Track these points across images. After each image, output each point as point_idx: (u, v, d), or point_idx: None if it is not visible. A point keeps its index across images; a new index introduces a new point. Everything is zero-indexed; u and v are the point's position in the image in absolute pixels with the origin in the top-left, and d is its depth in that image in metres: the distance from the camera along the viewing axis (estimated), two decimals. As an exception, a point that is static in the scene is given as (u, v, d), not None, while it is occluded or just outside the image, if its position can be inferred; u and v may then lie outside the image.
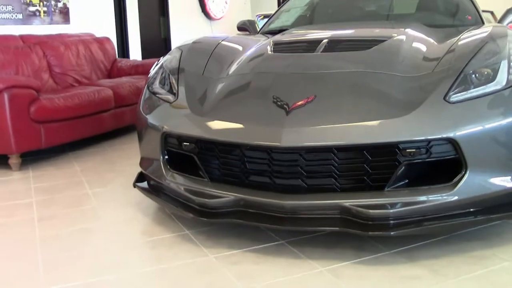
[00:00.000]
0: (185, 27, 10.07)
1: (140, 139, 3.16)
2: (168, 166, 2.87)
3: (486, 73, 2.55)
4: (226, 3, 12.05)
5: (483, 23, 3.89)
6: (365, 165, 2.42)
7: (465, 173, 2.39)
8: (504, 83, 2.50)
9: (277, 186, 2.52)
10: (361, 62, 2.81)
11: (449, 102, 2.44)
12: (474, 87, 2.49)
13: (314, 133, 2.41)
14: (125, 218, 3.15)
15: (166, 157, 2.89)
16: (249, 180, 2.60)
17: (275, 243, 2.68)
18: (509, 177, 2.47)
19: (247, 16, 13.58)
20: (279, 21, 4.52)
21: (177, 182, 2.79)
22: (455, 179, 2.41)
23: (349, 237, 2.64)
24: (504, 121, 2.43)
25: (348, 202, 2.39)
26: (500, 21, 4.00)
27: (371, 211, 2.35)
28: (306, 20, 4.46)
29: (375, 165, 2.42)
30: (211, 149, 2.67)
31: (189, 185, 2.73)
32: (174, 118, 2.83)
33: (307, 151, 2.44)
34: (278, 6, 15.33)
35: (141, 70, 6.01)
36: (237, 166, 2.62)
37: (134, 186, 3.15)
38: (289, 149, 2.43)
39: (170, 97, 2.94)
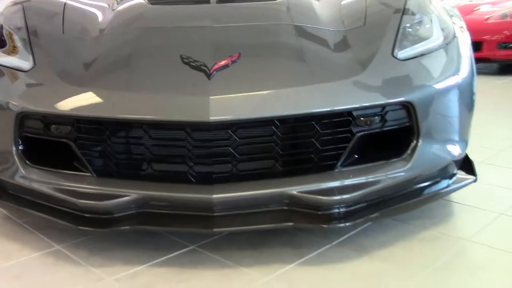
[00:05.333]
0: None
1: None
2: (26, 160, 2.04)
3: (419, 28, 2.20)
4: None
5: None
6: (313, 140, 1.90)
7: (417, 142, 2.01)
8: (441, 39, 2.18)
9: (198, 176, 1.88)
10: (276, 14, 2.26)
11: (398, 59, 2.02)
12: (414, 44, 2.12)
13: (251, 101, 1.83)
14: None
15: (21, 147, 2.05)
16: (156, 170, 1.91)
17: (186, 249, 2.05)
18: (457, 145, 2.15)
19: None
20: None
21: (43, 180, 1.99)
22: (408, 151, 2.01)
23: (272, 233, 2.13)
24: (453, 81, 2.11)
25: (295, 188, 1.86)
26: None
27: (325, 198, 1.85)
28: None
29: (325, 140, 1.91)
30: (97, 132, 1.92)
31: (65, 183, 1.96)
32: (36, 91, 2.01)
33: (240, 126, 1.84)
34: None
35: None
36: (138, 153, 1.93)
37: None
38: (219, 125, 1.80)
39: (22, 64, 2.10)
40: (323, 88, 1.88)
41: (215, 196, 1.83)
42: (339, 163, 1.94)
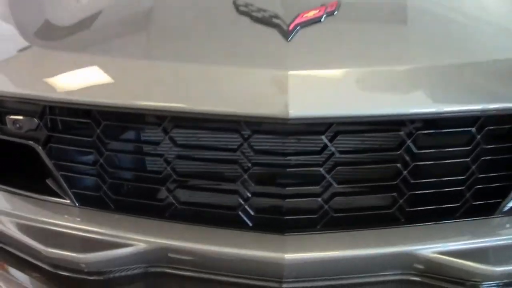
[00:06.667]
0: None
1: None
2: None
3: None
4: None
5: None
6: (468, 161, 1.06)
7: None
8: None
9: (258, 216, 1.06)
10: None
11: None
12: None
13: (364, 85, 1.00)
14: None
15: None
16: (183, 203, 1.09)
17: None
18: None
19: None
20: None
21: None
22: None
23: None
24: None
25: (432, 247, 1.03)
26: None
27: (481, 266, 1.03)
28: None
29: (487, 161, 1.07)
30: (83, 129, 1.12)
31: (26, 214, 1.15)
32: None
33: (343, 129, 1.02)
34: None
35: None
36: (153, 171, 1.11)
37: None
38: (305, 125, 0.99)
39: None
40: (490, 69, 1.05)
41: (288, 256, 1.00)
42: (506, 203, 1.10)
